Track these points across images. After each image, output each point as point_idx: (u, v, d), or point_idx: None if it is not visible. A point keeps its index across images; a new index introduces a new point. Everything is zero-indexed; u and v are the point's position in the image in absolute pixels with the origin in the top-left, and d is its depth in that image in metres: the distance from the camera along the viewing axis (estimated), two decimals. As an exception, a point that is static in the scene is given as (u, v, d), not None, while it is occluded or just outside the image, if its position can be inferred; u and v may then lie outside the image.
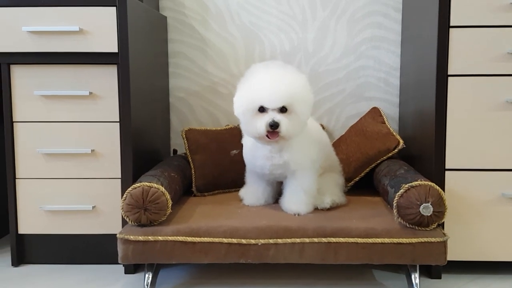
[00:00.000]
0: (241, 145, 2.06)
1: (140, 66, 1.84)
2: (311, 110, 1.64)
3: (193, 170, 1.99)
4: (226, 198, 1.93)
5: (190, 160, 2.00)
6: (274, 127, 1.56)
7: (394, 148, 1.93)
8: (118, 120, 1.79)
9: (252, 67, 1.68)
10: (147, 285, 1.61)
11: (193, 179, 1.98)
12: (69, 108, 1.80)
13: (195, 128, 2.06)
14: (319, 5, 2.20)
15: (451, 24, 1.61)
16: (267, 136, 1.58)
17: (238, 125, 2.10)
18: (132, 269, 1.80)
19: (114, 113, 1.79)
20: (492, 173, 1.65)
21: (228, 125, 2.16)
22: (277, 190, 1.84)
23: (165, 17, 2.23)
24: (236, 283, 1.70)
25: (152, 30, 2.03)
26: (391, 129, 1.99)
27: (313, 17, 2.21)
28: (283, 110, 1.58)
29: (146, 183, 1.59)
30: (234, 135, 2.09)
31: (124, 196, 1.58)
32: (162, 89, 2.20)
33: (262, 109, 1.59)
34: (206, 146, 2.02)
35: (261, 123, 1.57)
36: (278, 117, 1.56)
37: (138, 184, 1.60)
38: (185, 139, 2.01)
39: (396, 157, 1.98)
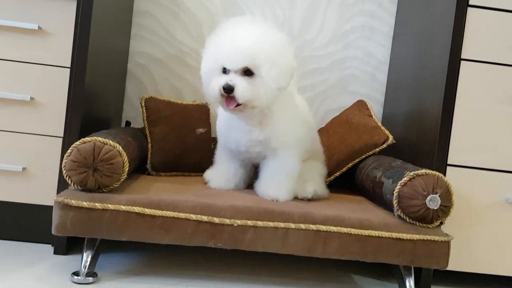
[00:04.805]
0: (210, 124, 1.80)
1: (105, 9, 1.53)
2: (288, 77, 1.37)
3: (150, 144, 1.67)
4: (188, 180, 1.63)
5: (148, 133, 1.68)
6: (227, 90, 1.31)
7: (383, 143, 1.72)
8: (69, 65, 1.46)
9: (224, 21, 1.43)
10: (85, 268, 1.26)
11: (149, 154, 1.67)
12: (10, 43, 1.45)
13: (157, 97, 1.76)
14: (309, -16, 1.99)
15: (470, 3, 1.45)
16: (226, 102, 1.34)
17: (207, 102, 1.83)
18: (64, 249, 1.44)
19: (65, 57, 1.47)
20: (498, 174, 1.47)
21: (195, 101, 1.87)
22: (250, 175, 1.57)
23: (135, -32, 1.94)
24: (195, 275, 1.39)
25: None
26: (379, 123, 1.79)
27: (302, -5, 2.00)
28: (247, 72, 1.33)
29: (99, 138, 1.28)
30: (202, 112, 1.80)
31: (69, 151, 1.25)
32: (121, 51, 1.88)
33: (225, 70, 1.35)
34: (168, 118, 1.71)
35: (216, 85, 1.33)
36: (236, 80, 1.32)
37: (89, 139, 1.27)
38: (144, 107, 1.70)
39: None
